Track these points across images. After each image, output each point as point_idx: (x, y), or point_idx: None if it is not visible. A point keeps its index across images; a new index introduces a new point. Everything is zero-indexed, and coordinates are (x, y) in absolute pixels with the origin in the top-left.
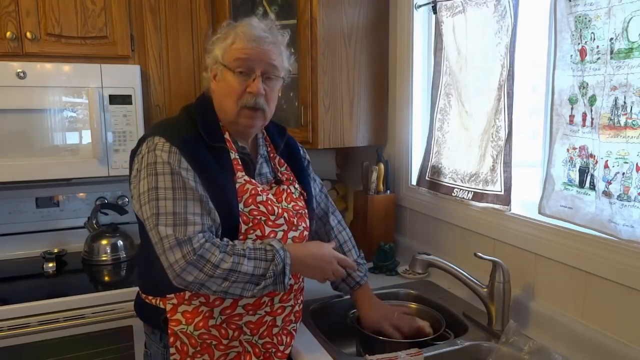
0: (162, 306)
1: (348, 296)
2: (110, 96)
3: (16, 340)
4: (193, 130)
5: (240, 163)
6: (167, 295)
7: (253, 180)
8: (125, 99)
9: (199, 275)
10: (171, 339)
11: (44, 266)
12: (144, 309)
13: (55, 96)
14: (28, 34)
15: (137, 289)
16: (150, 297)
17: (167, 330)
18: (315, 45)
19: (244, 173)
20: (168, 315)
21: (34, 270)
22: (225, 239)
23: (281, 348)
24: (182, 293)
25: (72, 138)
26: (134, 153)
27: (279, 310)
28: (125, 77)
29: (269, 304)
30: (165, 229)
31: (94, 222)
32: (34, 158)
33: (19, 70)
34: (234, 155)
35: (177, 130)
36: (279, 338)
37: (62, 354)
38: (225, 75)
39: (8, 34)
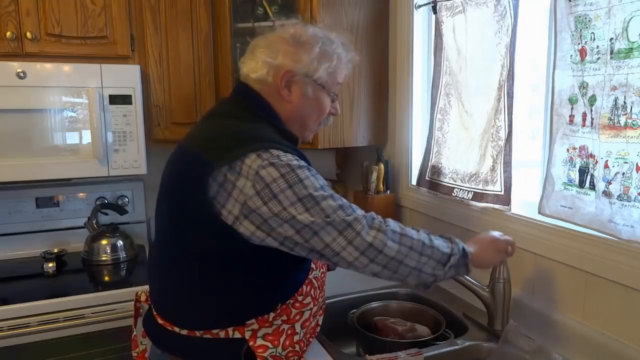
0: (239, 336)
1: (348, 295)
2: (110, 96)
3: (16, 340)
4: (282, 140)
5: None
6: (247, 322)
7: None
8: (125, 99)
9: (399, 248)
10: None
11: (44, 266)
12: (205, 348)
13: (55, 96)
14: (28, 34)
15: (136, 289)
16: (215, 331)
17: None
18: None
19: None
20: (250, 344)
21: (34, 270)
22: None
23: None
24: (265, 316)
25: (72, 138)
26: (209, 171)
27: (323, 306)
28: (125, 77)
29: (323, 305)
30: (344, 219)
31: (94, 222)
32: (34, 158)
33: (19, 70)
34: None
35: (276, 139)
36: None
37: (62, 354)
38: (319, 94)
39: (8, 34)
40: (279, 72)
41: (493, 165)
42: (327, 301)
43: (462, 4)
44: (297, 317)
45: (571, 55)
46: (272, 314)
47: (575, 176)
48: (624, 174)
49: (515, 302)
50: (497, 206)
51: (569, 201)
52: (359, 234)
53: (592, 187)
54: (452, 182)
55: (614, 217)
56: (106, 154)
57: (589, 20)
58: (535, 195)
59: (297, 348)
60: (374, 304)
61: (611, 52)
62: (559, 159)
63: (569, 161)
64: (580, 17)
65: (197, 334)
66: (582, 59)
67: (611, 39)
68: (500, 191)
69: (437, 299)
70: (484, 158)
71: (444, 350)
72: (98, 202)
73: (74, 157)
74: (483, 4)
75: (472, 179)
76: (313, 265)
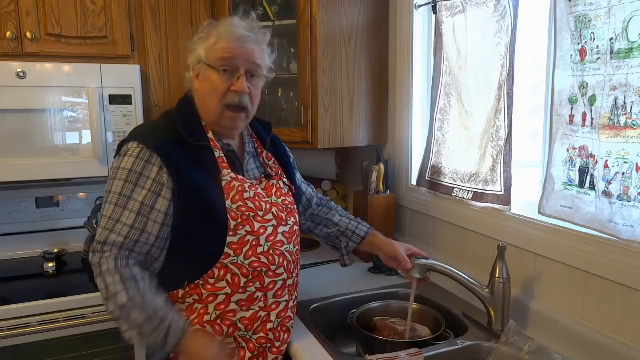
0: None
1: (348, 295)
2: (110, 96)
3: (16, 340)
4: (170, 133)
5: (225, 161)
6: None
7: (240, 177)
8: (125, 99)
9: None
10: None
11: (44, 266)
12: None
13: (55, 96)
14: (28, 34)
15: None
16: None
17: None
18: (315, 45)
19: (229, 170)
20: None
21: (34, 270)
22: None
23: (277, 344)
24: (175, 292)
25: (72, 138)
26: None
27: (273, 306)
28: (125, 77)
29: (263, 299)
30: (102, 226)
31: (94, 222)
32: (34, 158)
33: (19, 70)
34: (218, 153)
35: (153, 135)
36: (275, 334)
37: (62, 354)
38: (209, 74)
39: (8, 34)
40: (192, 68)
41: (493, 165)
42: (327, 301)
43: (462, 4)
44: (210, 299)
45: (571, 55)
46: (181, 291)
47: (575, 176)
48: (624, 174)
49: (515, 302)
50: (497, 206)
51: (569, 201)
52: (97, 245)
53: (592, 187)
54: (452, 182)
55: (614, 217)
56: (106, 154)
57: (589, 20)
58: (535, 195)
59: (210, 329)
60: (374, 304)
61: (611, 52)
62: (559, 159)
63: (569, 161)
64: (580, 17)
65: None
66: (582, 59)
67: (611, 39)
68: (500, 191)
69: (437, 299)
70: (484, 158)
71: (444, 350)
72: (98, 202)
73: (74, 157)
74: (483, 4)
75: (472, 179)
76: (231, 252)
